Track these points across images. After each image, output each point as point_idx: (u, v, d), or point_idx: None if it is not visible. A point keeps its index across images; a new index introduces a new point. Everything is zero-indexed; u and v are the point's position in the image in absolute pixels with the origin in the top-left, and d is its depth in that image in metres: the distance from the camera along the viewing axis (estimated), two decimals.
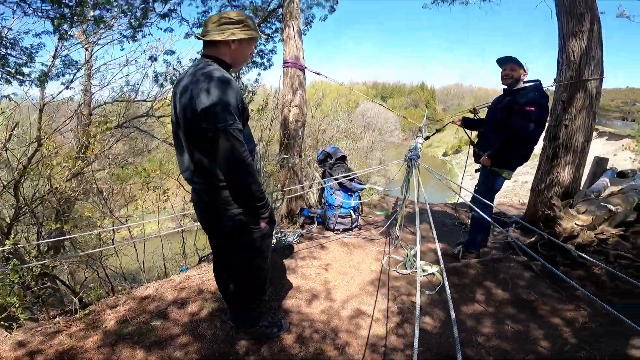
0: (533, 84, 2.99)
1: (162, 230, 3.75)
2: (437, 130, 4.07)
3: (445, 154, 42.69)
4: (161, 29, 6.86)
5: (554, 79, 3.98)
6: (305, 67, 4.47)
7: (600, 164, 4.63)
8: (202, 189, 1.75)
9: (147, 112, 7.04)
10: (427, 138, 3.92)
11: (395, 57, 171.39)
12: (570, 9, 3.78)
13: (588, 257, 2.17)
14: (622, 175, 5.92)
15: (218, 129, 1.47)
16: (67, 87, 6.00)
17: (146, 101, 7.24)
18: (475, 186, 3.38)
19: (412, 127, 41.39)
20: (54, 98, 6.87)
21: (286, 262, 3.29)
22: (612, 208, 2.96)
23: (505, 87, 3.10)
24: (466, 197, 6.82)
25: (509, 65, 3.00)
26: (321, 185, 4.30)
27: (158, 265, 4.56)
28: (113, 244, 3.55)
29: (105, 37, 6.89)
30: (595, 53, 3.69)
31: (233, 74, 6.78)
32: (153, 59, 7.96)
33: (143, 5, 5.82)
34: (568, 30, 3.79)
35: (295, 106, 4.39)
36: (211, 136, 1.50)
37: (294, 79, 4.40)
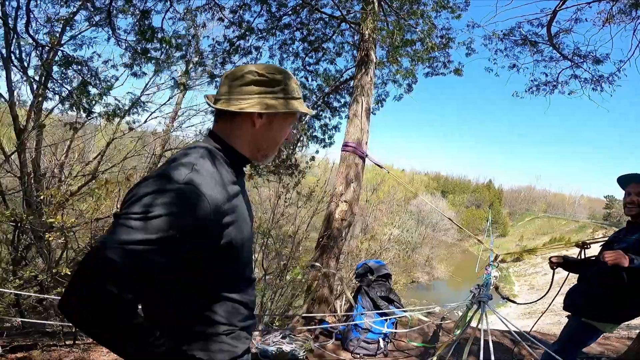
0: None
1: None
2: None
3: (503, 261, 38.76)
4: None
5: None
6: (366, 155, 4.01)
7: None
8: None
9: None
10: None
11: (462, 149, 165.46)
12: None
13: None
14: None
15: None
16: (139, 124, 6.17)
17: None
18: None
19: (472, 228, 38.66)
20: (130, 129, 7.15)
21: None
22: None
23: (629, 218, 2.21)
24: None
25: (636, 187, 2.16)
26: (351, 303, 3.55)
27: None
28: None
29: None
30: None
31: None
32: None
33: (224, 56, 5.80)
34: None
35: (345, 201, 3.83)
36: None
37: (350, 167, 3.92)
